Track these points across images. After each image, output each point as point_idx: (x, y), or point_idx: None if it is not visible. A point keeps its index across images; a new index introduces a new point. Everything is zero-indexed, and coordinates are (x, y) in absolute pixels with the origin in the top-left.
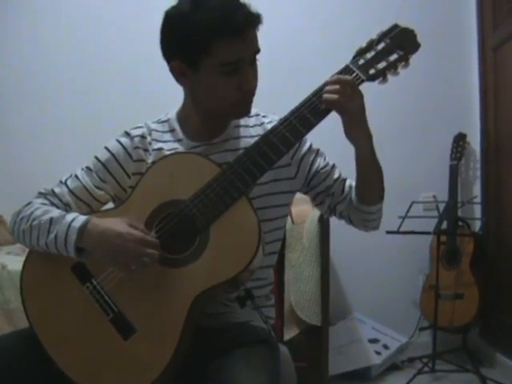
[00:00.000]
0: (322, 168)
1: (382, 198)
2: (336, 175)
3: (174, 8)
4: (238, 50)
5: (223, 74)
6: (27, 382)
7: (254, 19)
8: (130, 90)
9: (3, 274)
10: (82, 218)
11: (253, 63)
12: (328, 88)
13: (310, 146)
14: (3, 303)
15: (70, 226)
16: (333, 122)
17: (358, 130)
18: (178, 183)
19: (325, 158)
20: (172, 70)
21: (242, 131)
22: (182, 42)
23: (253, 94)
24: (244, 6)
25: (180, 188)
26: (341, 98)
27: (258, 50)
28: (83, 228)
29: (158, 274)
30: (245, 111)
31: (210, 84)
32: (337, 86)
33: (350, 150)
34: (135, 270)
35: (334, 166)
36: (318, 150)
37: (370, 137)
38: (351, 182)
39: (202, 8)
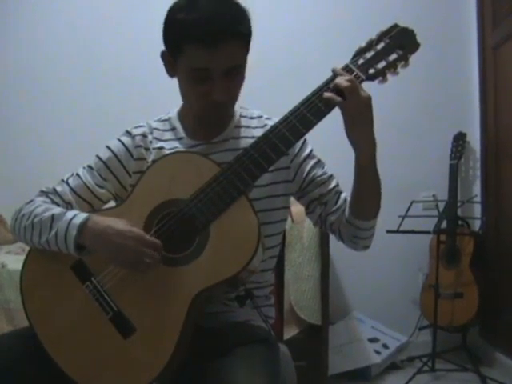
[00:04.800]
0: (319, 176)
1: (375, 214)
2: (332, 185)
3: (174, 2)
4: (205, 58)
5: (193, 79)
6: (27, 382)
7: (232, 35)
8: (131, 89)
9: (3, 273)
10: (82, 215)
11: (228, 76)
12: (340, 76)
13: (311, 151)
14: (3, 303)
15: (70, 222)
16: (334, 128)
17: (359, 130)
18: (177, 182)
19: (323, 168)
20: (163, 60)
21: (243, 132)
22: (165, 37)
23: (220, 107)
24: (234, 18)
25: (180, 187)
26: (353, 85)
27: (235, 65)
28: (83, 225)
29: (158, 272)
30: (209, 121)
31: (183, 85)
32: (350, 76)
33: (350, 161)
34: (138, 271)
35: (331, 176)
36: (318, 159)
37: (372, 142)
38: (347, 195)
39: (190, 8)
